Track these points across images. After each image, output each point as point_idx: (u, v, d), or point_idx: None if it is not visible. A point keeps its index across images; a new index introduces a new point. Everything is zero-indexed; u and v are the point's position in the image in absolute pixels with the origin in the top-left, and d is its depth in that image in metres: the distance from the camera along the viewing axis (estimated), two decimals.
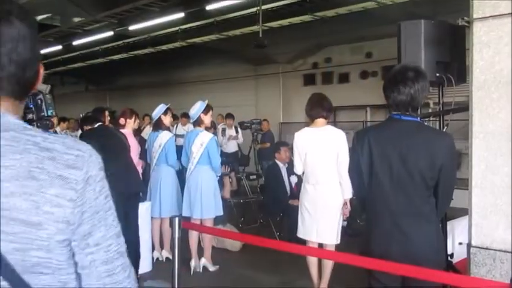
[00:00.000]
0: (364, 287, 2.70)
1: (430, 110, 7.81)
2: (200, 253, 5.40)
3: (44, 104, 2.56)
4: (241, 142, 11.04)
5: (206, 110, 5.31)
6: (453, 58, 3.36)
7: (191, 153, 5.27)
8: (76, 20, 11.86)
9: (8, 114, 0.96)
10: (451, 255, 3.54)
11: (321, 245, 4.37)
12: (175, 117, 9.33)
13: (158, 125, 5.74)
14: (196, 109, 5.31)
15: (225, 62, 14.20)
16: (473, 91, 3.01)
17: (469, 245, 3.07)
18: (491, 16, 2.92)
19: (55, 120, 7.65)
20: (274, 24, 10.13)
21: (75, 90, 19.47)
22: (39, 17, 10.81)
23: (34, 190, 0.91)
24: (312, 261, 4.38)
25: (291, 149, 5.42)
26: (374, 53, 11.73)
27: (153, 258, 5.55)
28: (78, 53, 14.61)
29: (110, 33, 12.37)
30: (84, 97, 18.85)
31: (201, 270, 5.33)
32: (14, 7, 0.97)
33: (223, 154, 7.73)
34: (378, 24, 9.32)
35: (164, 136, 5.64)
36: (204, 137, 5.24)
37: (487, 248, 2.96)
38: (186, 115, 9.26)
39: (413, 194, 2.48)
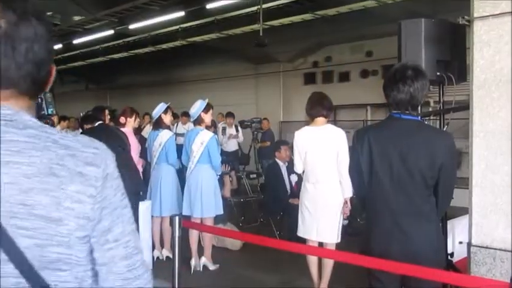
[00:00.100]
0: (364, 286, 2.70)
1: (430, 109, 7.82)
2: (200, 252, 5.40)
3: (44, 102, 2.55)
4: (241, 141, 11.03)
5: (206, 108, 5.31)
6: (453, 57, 3.35)
7: (191, 152, 5.26)
8: (76, 18, 11.88)
9: (25, 113, 0.97)
10: (451, 255, 3.54)
11: (321, 244, 4.37)
12: (175, 116, 9.33)
13: (158, 124, 5.74)
14: (197, 108, 5.30)
15: (225, 61, 14.19)
16: (473, 90, 3.01)
17: (469, 244, 3.07)
18: (491, 15, 2.91)
19: (55, 119, 7.64)
20: (275, 23, 10.13)
21: (75, 89, 19.47)
22: None
23: (55, 186, 0.92)
24: (312, 260, 4.37)
25: (291, 148, 5.42)
26: (374, 51, 11.71)
27: (153, 257, 5.53)
28: (78, 51, 14.63)
29: (110, 31, 12.39)
30: (84, 96, 18.86)
31: (201, 269, 5.33)
32: (31, 6, 0.97)
33: (223, 153, 7.71)
34: (378, 23, 9.32)
35: (164, 135, 5.64)
36: (204, 136, 5.23)
37: (487, 247, 2.96)
38: (186, 114, 9.26)
39: (413, 193, 2.48)
